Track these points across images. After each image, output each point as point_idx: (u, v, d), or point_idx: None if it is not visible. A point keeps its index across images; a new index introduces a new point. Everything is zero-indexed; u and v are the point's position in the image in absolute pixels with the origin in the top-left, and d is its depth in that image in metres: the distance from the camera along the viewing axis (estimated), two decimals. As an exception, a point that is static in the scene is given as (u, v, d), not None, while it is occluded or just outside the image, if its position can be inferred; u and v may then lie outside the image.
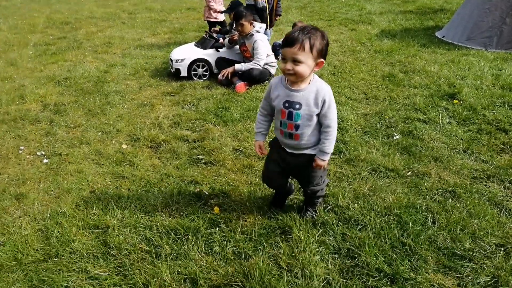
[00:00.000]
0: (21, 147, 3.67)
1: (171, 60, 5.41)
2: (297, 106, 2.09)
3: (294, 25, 6.12)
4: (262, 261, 2.22)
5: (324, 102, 2.07)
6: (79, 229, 2.50)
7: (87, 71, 5.83)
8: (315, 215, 2.53)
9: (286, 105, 2.11)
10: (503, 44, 5.88)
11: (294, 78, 2.03)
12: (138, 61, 6.29)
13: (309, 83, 2.09)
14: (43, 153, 3.57)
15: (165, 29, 8.76)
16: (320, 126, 2.16)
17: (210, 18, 6.89)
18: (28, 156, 3.53)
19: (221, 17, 6.94)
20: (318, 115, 2.10)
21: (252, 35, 5.03)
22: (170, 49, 6.59)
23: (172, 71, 5.45)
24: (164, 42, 7.63)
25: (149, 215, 2.65)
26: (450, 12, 8.59)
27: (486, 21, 6.14)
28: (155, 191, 2.91)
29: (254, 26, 5.09)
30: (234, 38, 5.30)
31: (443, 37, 6.69)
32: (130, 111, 4.42)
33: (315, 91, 2.07)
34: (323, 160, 2.19)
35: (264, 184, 2.65)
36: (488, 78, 4.68)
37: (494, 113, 3.86)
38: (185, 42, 6.96)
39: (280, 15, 6.71)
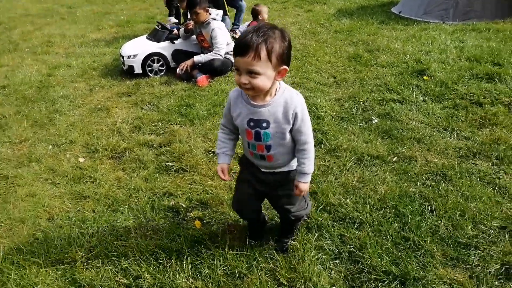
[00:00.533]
0: (-42, 173, 3.16)
1: (122, 57, 4.96)
2: (264, 125, 1.69)
3: (253, 10, 5.83)
4: (260, 279, 1.98)
5: (295, 116, 1.67)
6: (41, 267, 2.13)
7: (27, 76, 5.23)
8: (293, 242, 2.18)
9: (251, 124, 1.71)
10: (459, 16, 5.91)
11: (253, 93, 1.63)
12: (84, 60, 5.75)
13: (275, 94, 1.67)
14: (-15, 177, 3.09)
15: (110, 22, 8.14)
16: (295, 143, 1.78)
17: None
18: (-33, 183, 3.04)
19: None
20: (291, 131, 1.72)
21: (209, 23, 4.69)
22: (119, 44, 6.08)
23: (124, 68, 4.99)
24: (111, 37, 7.06)
25: (122, 239, 2.32)
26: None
27: (441, -6, 6.14)
28: (125, 210, 2.57)
29: (210, 14, 4.74)
30: (189, 27, 4.93)
31: (400, 12, 6.65)
32: (83, 117, 3.97)
33: (283, 103, 1.66)
34: (305, 183, 1.80)
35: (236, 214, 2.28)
36: (452, 51, 4.65)
37: (465, 86, 3.81)
38: (135, 36, 6.46)
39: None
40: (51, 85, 4.89)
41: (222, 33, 4.72)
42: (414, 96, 3.74)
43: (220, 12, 4.96)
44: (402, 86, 3.95)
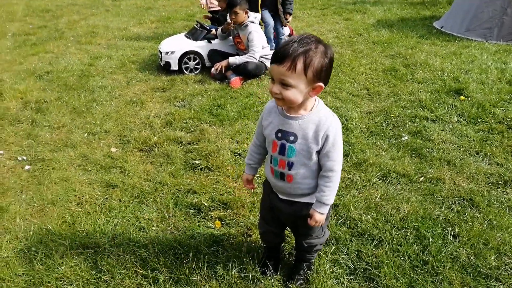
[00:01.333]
0: (0, 152, 3.36)
1: (161, 53, 5.10)
2: (292, 138, 1.59)
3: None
4: (272, 286, 2.00)
5: (326, 138, 1.56)
6: (66, 250, 2.24)
7: (70, 64, 5.47)
8: (309, 276, 2.04)
9: (279, 135, 1.62)
10: (504, 36, 5.71)
11: (282, 104, 1.56)
12: (124, 53, 5.95)
13: (311, 109, 1.58)
14: (24, 158, 3.27)
15: (151, 17, 8.37)
16: (320, 168, 1.65)
17: (213, 7, 6.36)
18: (8, 162, 3.23)
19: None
20: (318, 153, 1.61)
21: (247, 25, 4.75)
22: (159, 39, 6.26)
23: (161, 64, 5.14)
24: (151, 31, 7.26)
25: (144, 231, 2.41)
26: (445, 2, 8.39)
27: (486, 12, 5.95)
28: (149, 203, 2.66)
29: (248, 16, 4.80)
30: (230, 27, 4.99)
31: (442, 27, 6.50)
32: (118, 109, 4.12)
33: (317, 121, 1.56)
34: (321, 214, 1.66)
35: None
36: (493, 73, 4.51)
37: (503, 110, 3.69)
38: (174, 32, 6.64)
39: (290, 14, 5.68)
40: (91, 74, 5.09)
41: (258, 36, 4.77)
42: (449, 115, 3.66)
43: (258, 15, 5.01)
44: (436, 104, 3.87)
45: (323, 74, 1.48)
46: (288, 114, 1.61)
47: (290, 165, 1.64)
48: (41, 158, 3.25)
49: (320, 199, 1.65)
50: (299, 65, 1.43)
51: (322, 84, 1.50)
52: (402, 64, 4.99)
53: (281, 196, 1.78)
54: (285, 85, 1.47)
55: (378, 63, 5.09)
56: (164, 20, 8.08)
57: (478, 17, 6.04)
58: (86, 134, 3.62)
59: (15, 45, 6.54)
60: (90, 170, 3.07)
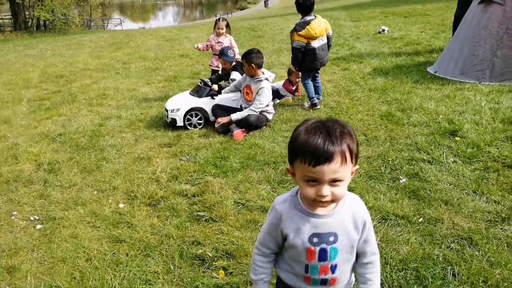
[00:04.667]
0: (13, 213, 3.51)
1: (167, 110, 5.38)
2: (332, 239, 1.40)
3: (289, 71, 6.16)
4: (275, 333, 2.03)
5: (365, 224, 1.44)
6: (75, 306, 2.32)
7: (81, 125, 5.77)
8: None
9: (315, 240, 1.40)
10: (496, 77, 5.92)
11: (328, 205, 1.37)
12: (133, 112, 6.26)
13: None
14: (36, 217, 3.41)
15: (159, 77, 8.83)
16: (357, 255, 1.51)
17: (217, 66, 6.74)
18: (21, 222, 3.37)
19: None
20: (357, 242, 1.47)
21: (261, 80, 5.04)
22: (165, 98, 6.59)
23: (168, 121, 5.40)
24: (158, 90, 7.66)
25: (150, 283, 2.48)
26: (438, 48, 8.75)
27: (477, 55, 6.21)
28: (155, 255, 2.75)
29: (263, 73, 5.13)
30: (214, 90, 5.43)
31: (436, 72, 6.76)
32: (127, 166, 4.31)
33: (351, 210, 1.41)
34: None
35: None
36: (486, 113, 4.66)
37: (498, 149, 3.79)
38: (180, 90, 6.99)
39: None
40: (102, 134, 5.36)
41: (268, 95, 5.07)
42: (445, 156, 3.76)
43: (273, 75, 5.35)
44: (432, 146, 3.99)
45: (357, 156, 1.34)
46: (319, 214, 1.39)
47: (334, 268, 1.44)
48: (52, 217, 3.39)
49: None
50: (348, 155, 1.27)
51: (357, 167, 1.38)
52: (398, 109, 5.17)
53: None
54: (337, 181, 1.28)
55: (375, 109, 5.29)
56: (171, 79, 8.52)
57: (470, 59, 6.29)
58: (95, 192, 3.78)
59: (30, 110, 6.93)
60: (99, 227, 3.19)
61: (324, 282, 1.45)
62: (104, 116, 6.20)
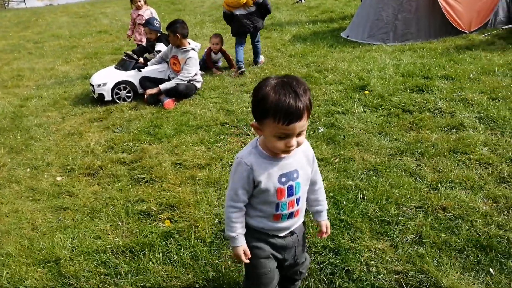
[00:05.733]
0: None
1: (92, 86, 5.32)
2: (295, 175, 1.62)
3: (210, 38, 6.33)
4: (221, 259, 2.36)
5: (313, 158, 1.71)
6: (29, 267, 2.43)
7: (0, 107, 5.48)
8: None
9: (283, 180, 1.60)
10: (398, 38, 6.66)
11: (290, 152, 1.58)
12: (55, 91, 6.05)
13: None
14: (-32, 199, 3.34)
15: (78, 55, 8.48)
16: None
17: (140, 41, 6.68)
18: (-49, 205, 3.28)
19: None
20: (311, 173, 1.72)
21: (188, 51, 5.15)
22: (88, 75, 6.43)
23: (95, 96, 5.35)
24: (79, 68, 7.40)
25: (100, 240, 2.65)
26: (350, 15, 9.44)
27: (381, 19, 6.90)
28: (102, 216, 2.91)
29: (189, 43, 5.24)
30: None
31: (348, 36, 7.37)
32: (58, 142, 4.28)
33: (302, 148, 1.63)
34: (327, 220, 1.87)
35: None
36: (390, 69, 5.31)
37: (399, 98, 4.41)
38: (103, 66, 6.82)
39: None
40: (24, 115, 5.17)
41: (196, 64, 5.23)
42: (356, 107, 4.30)
43: (199, 45, 5.48)
44: (345, 100, 4.51)
45: None
46: (282, 156, 1.59)
47: (298, 200, 1.67)
48: (-14, 196, 3.35)
49: (323, 209, 1.83)
50: (310, 109, 1.47)
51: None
52: (316, 71, 5.65)
53: (281, 234, 1.73)
54: (301, 132, 1.49)
55: (295, 72, 5.72)
56: (91, 56, 8.23)
57: (376, 24, 6.97)
58: (28, 169, 3.76)
59: None
60: (39, 199, 3.24)
61: (291, 215, 1.68)
62: (23, 97, 5.92)
